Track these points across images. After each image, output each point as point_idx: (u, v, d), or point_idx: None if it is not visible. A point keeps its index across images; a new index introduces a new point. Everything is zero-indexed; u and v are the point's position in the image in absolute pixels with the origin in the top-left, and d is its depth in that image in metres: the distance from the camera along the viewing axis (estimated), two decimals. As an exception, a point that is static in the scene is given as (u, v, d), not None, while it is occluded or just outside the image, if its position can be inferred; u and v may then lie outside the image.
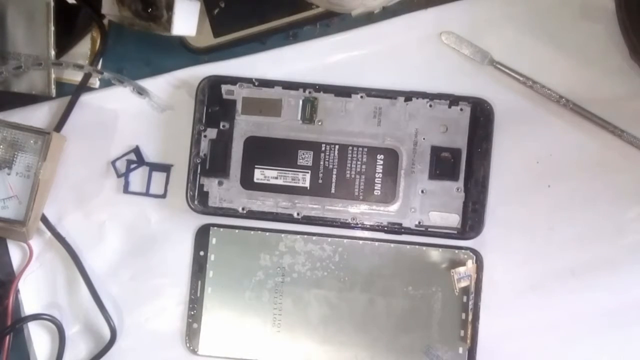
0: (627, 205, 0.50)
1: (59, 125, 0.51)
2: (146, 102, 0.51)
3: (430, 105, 0.49)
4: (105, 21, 0.51)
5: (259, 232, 0.50)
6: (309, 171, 0.49)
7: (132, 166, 0.51)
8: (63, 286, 0.51)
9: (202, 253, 0.51)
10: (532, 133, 0.50)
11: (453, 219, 0.49)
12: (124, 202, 0.51)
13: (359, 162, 0.49)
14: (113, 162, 0.51)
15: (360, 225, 0.49)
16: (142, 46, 0.51)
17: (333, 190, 0.49)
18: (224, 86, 0.50)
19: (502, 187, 0.49)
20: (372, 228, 0.49)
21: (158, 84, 0.51)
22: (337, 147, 0.49)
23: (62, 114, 0.51)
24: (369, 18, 0.50)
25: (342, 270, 0.50)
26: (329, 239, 0.50)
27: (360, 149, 0.49)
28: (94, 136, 0.51)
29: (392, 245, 0.50)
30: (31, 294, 0.51)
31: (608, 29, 0.49)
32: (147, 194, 0.51)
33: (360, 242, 0.50)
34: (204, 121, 0.49)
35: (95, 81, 0.52)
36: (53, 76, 0.51)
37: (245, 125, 0.50)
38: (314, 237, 0.50)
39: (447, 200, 0.49)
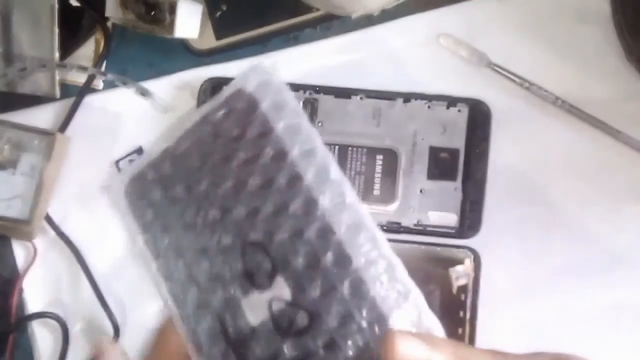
0: (623, 205, 0.50)
1: (63, 126, 0.51)
2: (149, 104, 0.51)
3: (429, 107, 0.49)
4: (109, 24, 0.52)
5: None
6: (310, 171, 0.50)
7: (135, 166, 0.51)
8: (67, 285, 0.51)
9: (203, 252, 0.51)
10: (529, 134, 0.50)
11: (451, 218, 0.49)
12: (126, 201, 0.51)
13: (358, 163, 0.50)
14: (116, 163, 0.51)
15: (359, 224, 0.49)
16: (145, 48, 0.52)
17: (333, 190, 0.49)
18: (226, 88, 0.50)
19: (499, 187, 0.49)
20: (371, 227, 0.50)
21: (161, 86, 0.51)
22: (337, 147, 0.49)
23: (66, 115, 0.51)
24: (369, 21, 0.51)
25: (342, 269, 0.50)
26: (329, 238, 0.50)
27: (360, 149, 0.50)
28: (97, 137, 0.52)
29: (391, 244, 0.49)
30: (35, 293, 0.51)
31: (604, 32, 0.49)
32: (149, 193, 0.51)
33: (360, 241, 0.50)
34: (206, 122, 0.50)
35: (99, 83, 0.52)
36: (57, 78, 0.51)
37: (246, 126, 0.50)
38: (314, 237, 0.50)
39: (446, 199, 0.49)
